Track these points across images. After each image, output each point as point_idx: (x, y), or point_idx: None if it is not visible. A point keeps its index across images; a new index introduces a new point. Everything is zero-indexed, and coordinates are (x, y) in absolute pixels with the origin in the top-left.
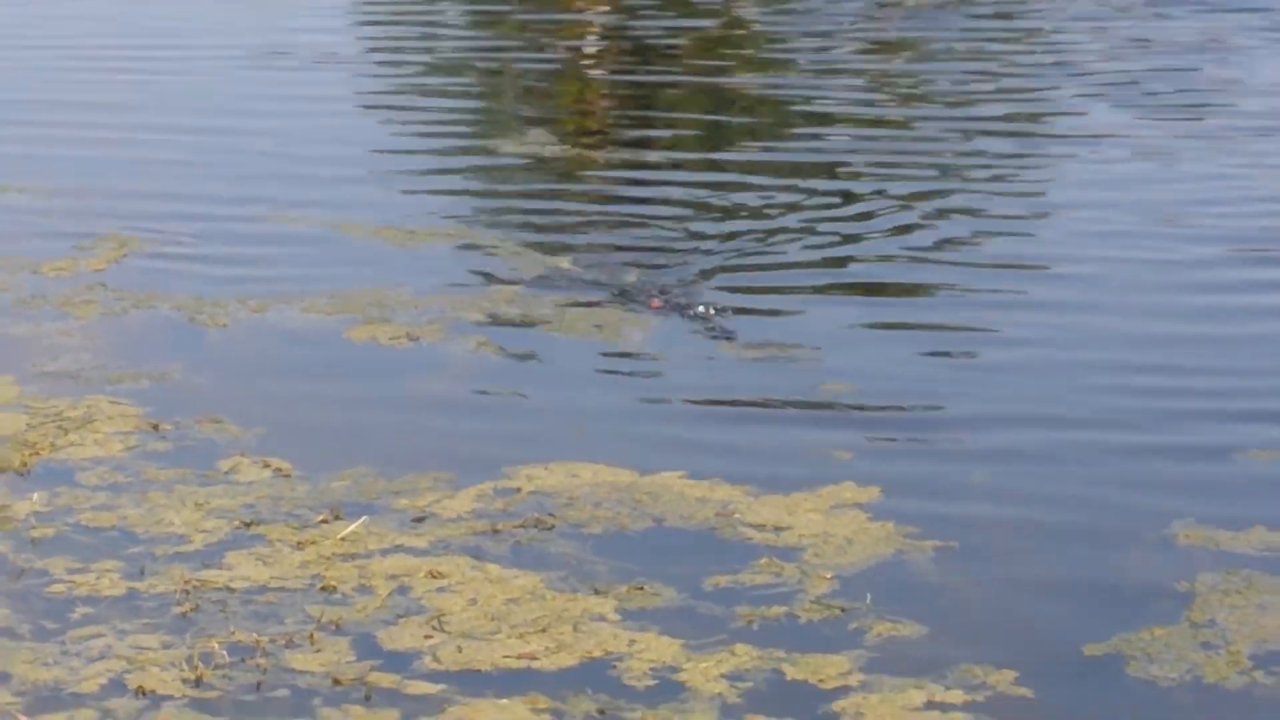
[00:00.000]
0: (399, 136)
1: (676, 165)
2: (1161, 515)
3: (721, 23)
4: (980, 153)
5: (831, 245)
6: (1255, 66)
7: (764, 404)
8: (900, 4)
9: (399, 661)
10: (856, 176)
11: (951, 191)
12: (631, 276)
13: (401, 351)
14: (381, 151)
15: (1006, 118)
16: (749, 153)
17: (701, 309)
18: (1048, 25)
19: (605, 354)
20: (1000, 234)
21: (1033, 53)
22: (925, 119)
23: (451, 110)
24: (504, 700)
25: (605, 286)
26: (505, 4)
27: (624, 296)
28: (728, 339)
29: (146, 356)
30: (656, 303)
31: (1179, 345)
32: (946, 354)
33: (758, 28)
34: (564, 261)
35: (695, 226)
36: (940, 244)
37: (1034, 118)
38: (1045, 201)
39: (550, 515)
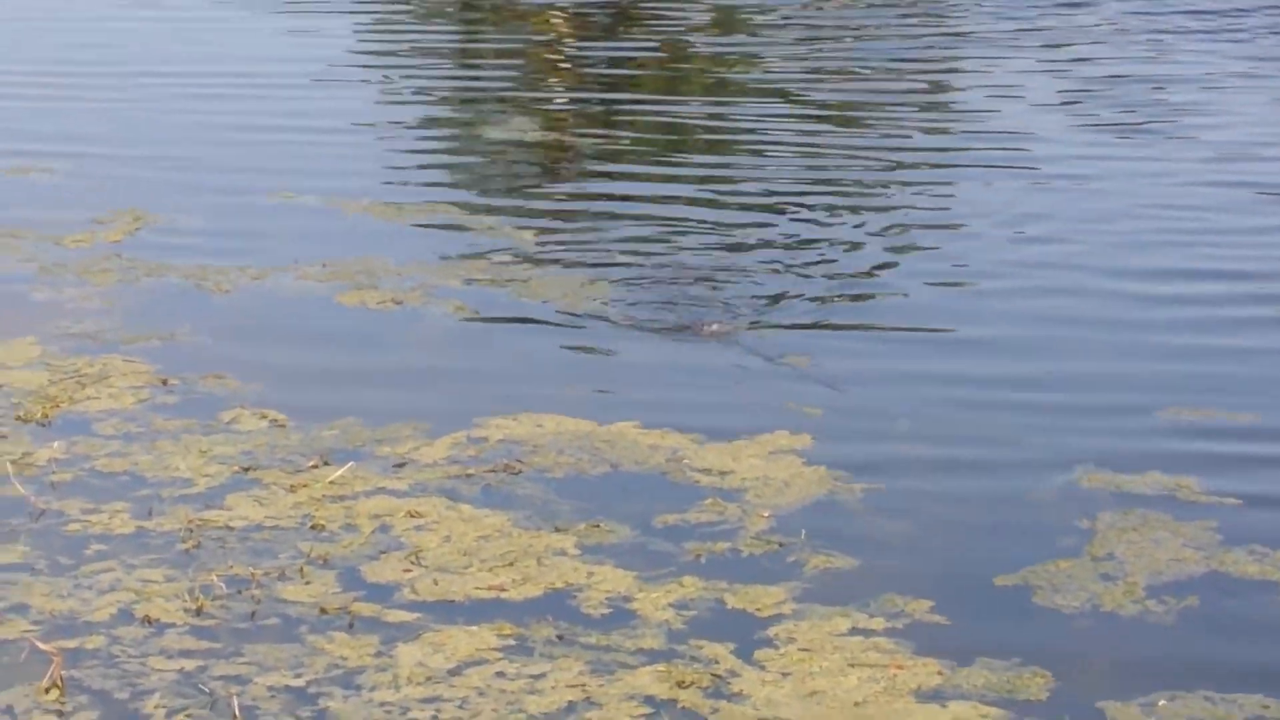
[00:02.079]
0: (387, 131)
1: (635, 165)
2: (1067, 460)
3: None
4: (913, 165)
5: (783, 247)
6: (1193, 74)
7: (709, 368)
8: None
9: (380, 593)
10: (791, 192)
11: (894, 207)
12: (609, 254)
13: (387, 314)
14: (371, 140)
15: (927, 130)
16: (701, 168)
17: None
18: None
19: (569, 317)
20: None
21: (973, 67)
22: (855, 137)
23: (437, 112)
24: (474, 627)
25: (578, 261)
26: (482, 27)
27: (681, 320)
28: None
29: (157, 319)
30: (714, 326)
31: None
32: (879, 338)
33: (707, 49)
34: (534, 236)
35: (656, 217)
36: (893, 253)
37: (952, 132)
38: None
39: (517, 461)
